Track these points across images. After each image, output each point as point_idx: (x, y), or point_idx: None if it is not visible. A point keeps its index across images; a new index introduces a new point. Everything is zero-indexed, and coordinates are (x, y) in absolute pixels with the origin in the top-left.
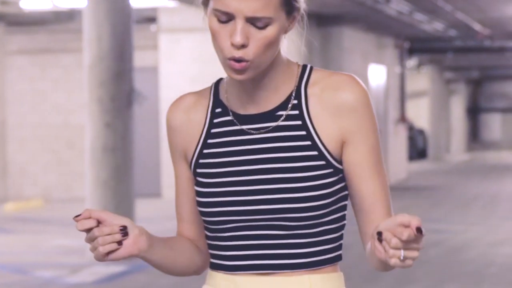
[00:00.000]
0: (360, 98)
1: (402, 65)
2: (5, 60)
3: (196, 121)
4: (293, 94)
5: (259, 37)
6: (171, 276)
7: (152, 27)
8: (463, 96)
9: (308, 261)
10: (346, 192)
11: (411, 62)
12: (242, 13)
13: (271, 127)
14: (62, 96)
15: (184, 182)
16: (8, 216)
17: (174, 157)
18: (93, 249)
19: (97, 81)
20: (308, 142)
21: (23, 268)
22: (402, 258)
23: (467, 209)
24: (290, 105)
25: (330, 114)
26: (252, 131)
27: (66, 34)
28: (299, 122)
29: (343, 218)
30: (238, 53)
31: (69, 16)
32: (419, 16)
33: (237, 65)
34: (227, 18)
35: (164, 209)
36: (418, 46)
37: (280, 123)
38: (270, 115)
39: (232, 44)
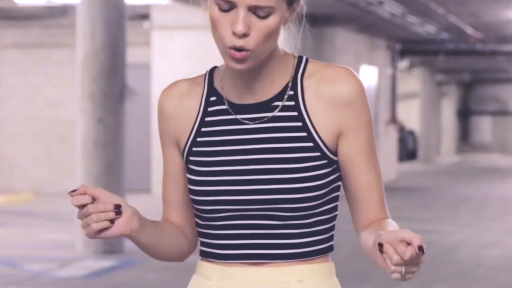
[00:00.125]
0: (357, 91)
1: (394, 66)
2: None
3: (189, 108)
4: (289, 85)
5: (260, 26)
6: (161, 271)
7: (145, 24)
8: (454, 99)
9: (301, 251)
10: (339, 183)
11: (403, 63)
12: (245, 1)
13: (266, 118)
14: (54, 90)
15: (173, 168)
16: None
17: (164, 143)
18: (85, 226)
19: (89, 76)
20: (304, 133)
21: (13, 261)
22: (403, 273)
23: (456, 211)
24: (286, 96)
25: (326, 106)
26: (247, 121)
27: (59, 29)
28: (295, 113)
29: (335, 208)
30: (239, 42)
31: (63, 11)
32: (411, 19)
33: (237, 54)
34: (228, 6)
35: (154, 204)
36: (410, 48)
37: (276, 113)
38: (266, 106)
39: (234, 33)
